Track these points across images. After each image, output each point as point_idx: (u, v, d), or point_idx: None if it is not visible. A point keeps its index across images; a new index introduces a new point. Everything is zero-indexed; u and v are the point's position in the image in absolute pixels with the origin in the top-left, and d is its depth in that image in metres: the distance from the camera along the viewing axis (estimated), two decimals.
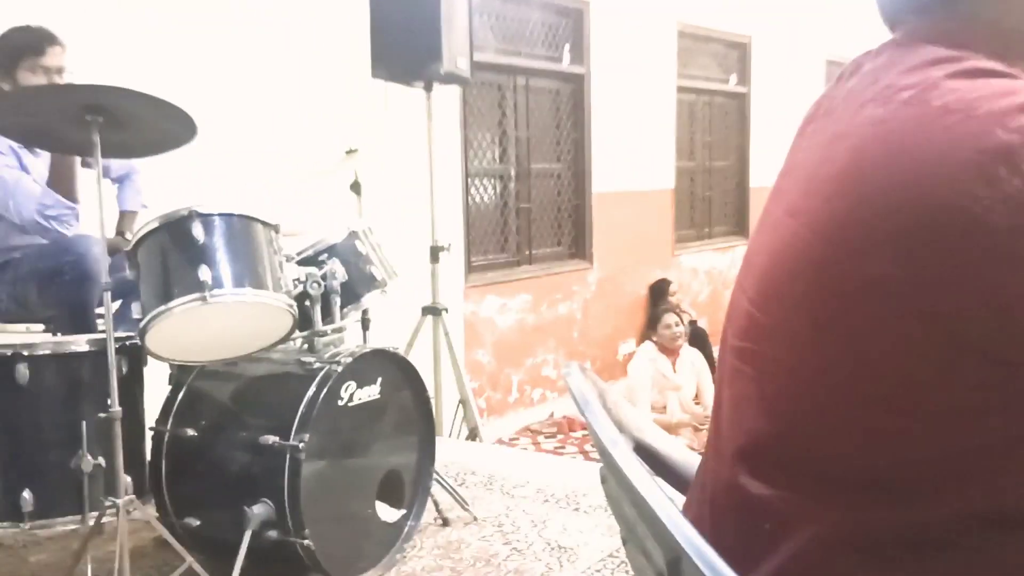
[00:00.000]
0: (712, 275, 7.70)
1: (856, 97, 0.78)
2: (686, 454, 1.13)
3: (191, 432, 2.40)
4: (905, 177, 0.68)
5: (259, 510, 2.23)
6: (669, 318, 5.80)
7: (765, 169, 7.86)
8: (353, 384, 2.43)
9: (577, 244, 6.35)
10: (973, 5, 0.77)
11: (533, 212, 6.00)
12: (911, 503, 0.72)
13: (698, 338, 6.27)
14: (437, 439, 2.74)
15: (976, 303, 0.65)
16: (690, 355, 5.91)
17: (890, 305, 0.68)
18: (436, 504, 2.84)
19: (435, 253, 4.01)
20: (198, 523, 2.37)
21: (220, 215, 2.22)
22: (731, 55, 7.93)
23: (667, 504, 0.73)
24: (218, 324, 2.24)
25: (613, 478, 0.94)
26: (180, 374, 2.52)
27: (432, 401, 2.75)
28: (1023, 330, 0.65)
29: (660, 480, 1.17)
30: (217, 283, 2.14)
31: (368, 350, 2.51)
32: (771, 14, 7.77)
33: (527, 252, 5.97)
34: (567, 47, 6.11)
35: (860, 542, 0.74)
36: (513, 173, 5.84)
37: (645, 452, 1.15)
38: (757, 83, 8.03)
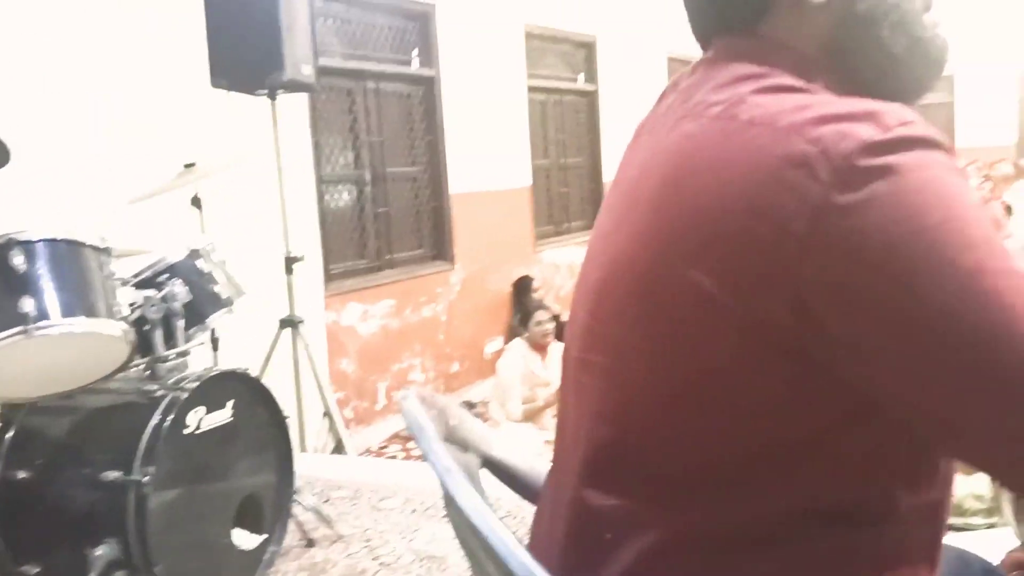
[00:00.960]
0: (573, 269, 7.82)
1: (673, 114, 0.81)
2: (538, 465, 1.13)
3: (23, 474, 2.25)
4: (716, 188, 0.71)
5: (103, 551, 2.11)
6: (541, 314, 5.85)
7: (616, 164, 8.02)
8: (202, 409, 2.33)
9: (438, 246, 6.32)
10: (771, 29, 0.82)
11: (391, 216, 5.93)
12: (739, 501, 0.75)
13: (564, 332, 6.33)
14: (300, 456, 2.68)
15: (784, 306, 0.68)
16: (558, 350, 5.98)
17: (710, 312, 0.71)
18: (299, 525, 2.76)
19: (289, 264, 3.91)
20: (37, 570, 2.22)
21: (43, 241, 2.08)
22: (578, 55, 8.07)
23: (502, 532, 0.74)
24: (48, 357, 2.10)
25: (450, 507, 0.93)
26: (8, 412, 2.36)
27: (293, 417, 2.67)
28: (827, 330, 0.68)
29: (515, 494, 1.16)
30: (42, 314, 2.01)
31: (216, 373, 2.41)
32: (615, 14, 7.96)
33: (387, 256, 5.90)
34: (416, 50, 6.07)
35: (694, 544, 0.76)
36: (368, 178, 5.76)
37: (495, 466, 1.15)
38: (604, 81, 8.21)
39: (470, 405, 6.07)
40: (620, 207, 0.84)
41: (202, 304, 2.57)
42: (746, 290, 0.69)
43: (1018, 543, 1.16)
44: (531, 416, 5.51)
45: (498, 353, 6.19)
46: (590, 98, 8.20)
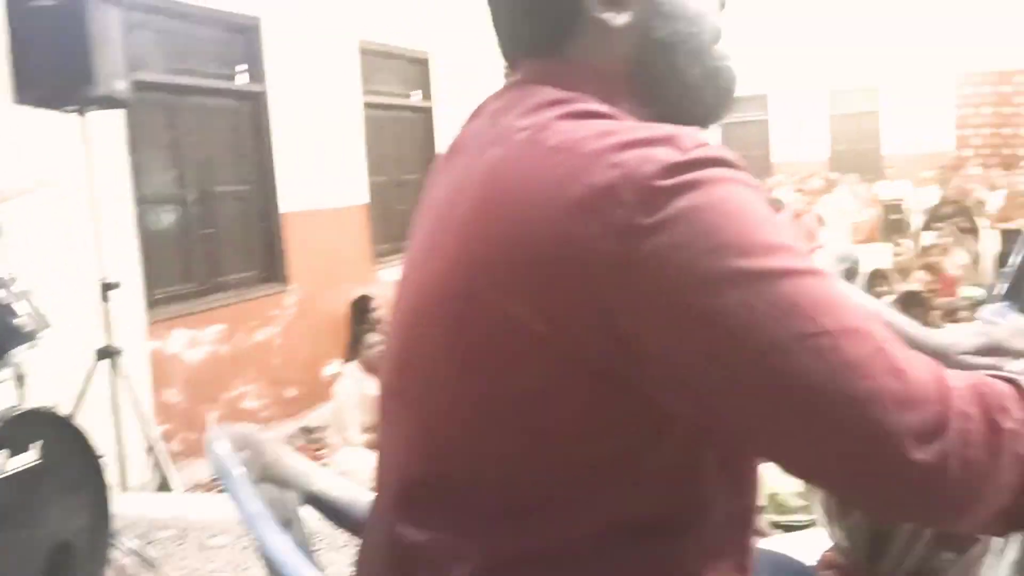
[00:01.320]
0: None
1: (481, 138, 0.81)
2: (363, 496, 1.10)
3: None
4: (524, 215, 0.71)
5: None
6: (372, 337, 5.74)
7: None
8: (5, 452, 2.14)
9: (271, 267, 6.12)
10: (577, 51, 0.83)
11: (219, 237, 5.70)
12: (553, 523, 0.75)
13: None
14: (121, 496, 2.50)
15: (595, 329, 0.69)
16: None
17: (520, 338, 0.72)
18: (120, 570, 2.59)
19: (105, 291, 3.68)
20: None
21: None
22: (413, 71, 8.05)
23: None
24: None
25: (260, 553, 0.89)
26: None
27: (112, 454, 2.50)
28: (637, 350, 0.69)
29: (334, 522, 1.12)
30: None
31: (18, 413, 2.23)
32: (449, 31, 8.00)
33: (216, 279, 5.66)
34: (242, 65, 5.87)
35: (512, 570, 0.76)
36: (193, 197, 5.52)
37: (317, 502, 1.11)
38: (439, 98, 8.23)
39: (308, 431, 5.90)
40: (431, 232, 0.83)
41: (2, 338, 2.37)
42: (557, 316, 0.70)
43: (833, 543, 1.20)
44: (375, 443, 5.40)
45: (336, 376, 6.06)
46: (425, 115, 8.20)
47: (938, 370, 0.68)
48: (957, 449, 0.65)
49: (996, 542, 0.97)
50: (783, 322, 0.65)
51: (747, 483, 0.82)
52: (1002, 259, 6.27)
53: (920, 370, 0.67)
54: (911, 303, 4.82)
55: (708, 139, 0.72)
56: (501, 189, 0.74)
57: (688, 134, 0.71)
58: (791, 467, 0.71)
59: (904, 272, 6.50)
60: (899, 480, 0.66)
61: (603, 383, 0.71)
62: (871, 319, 0.68)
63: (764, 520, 3.66)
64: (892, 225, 9.87)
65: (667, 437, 0.74)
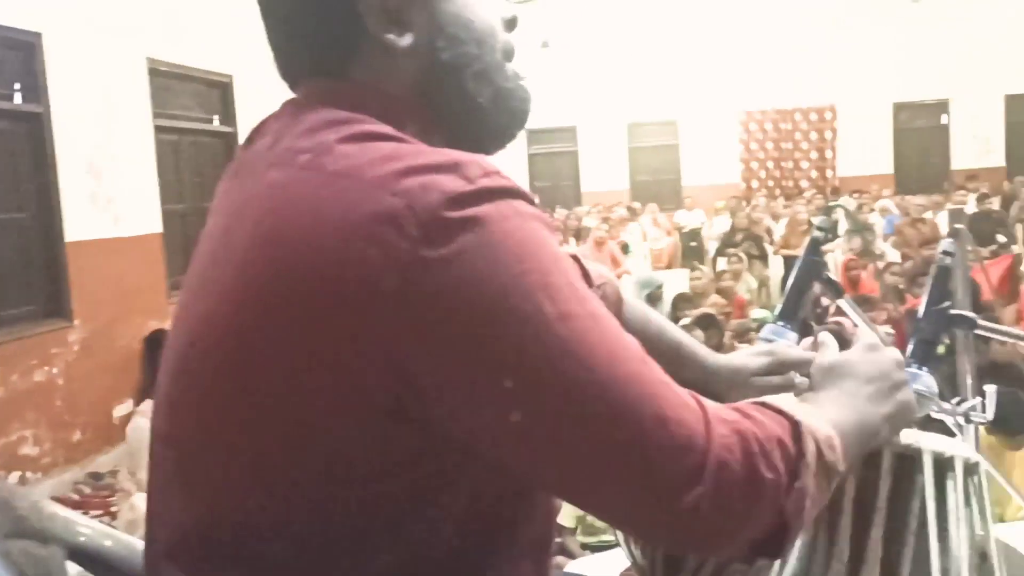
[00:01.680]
0: None
1: (260, 160, 0.78)
2: (140, 546, 1.01)
3: None
4: (304, 245, 0.68)
5: None
6: None
7: None
8: None
9: (52, 300, 5.66)
10: (362, 72, 0.79)
11: None
12: (343, 568, 0.73)
13: None
14: None
15: (379, 366, 0.67)
16: None
17: (302, 376, 0.69)
18: None
19: None
20: None
21: None
22: (213, 94, 7.74)
23: None
24: None
25: None
26: None
27: None
28: (422, 389, 0.67)
29: None
30: None
31: None
32: (252, 53, 7.69)
33: None
34: (18, 84, 5.44)
35: None
36: None
37: (85, 556, 1.02)
38: (243, 123, 7.93)
39: (97, 476, 5.49)
40: (207, 263, 0.79)
41: None
42: (340, 352, 0.67)
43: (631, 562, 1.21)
44: None
45: (128, 416, 5.67)
46: (227, 140, 7.87)
47: (706, 415, 0.70)
48: (712, 496, 0.68)
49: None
50: (558, 366, 0.66)
51: (540, 514, 0.82)
52: (784, 283, 6.79)
53: (686, 418, 0.69)
54: (706, 325, 5.08)
55: (495, 168, 0.71)
56: (280, 216, 0.71)
57: (475, 162, 0.70)
58: (570, 500, 0.74)
59: (702, 296, 6.86)
60: (658, 520, 0.70)
61: (390, 422, 0.69)
62: (645, 363, 0.70)
63: (574, 542, 3.72)
64: (691, 252, 10.43)
65: (460, 476, 0.73)
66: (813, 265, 1.20)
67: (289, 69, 0.83)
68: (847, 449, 0.79)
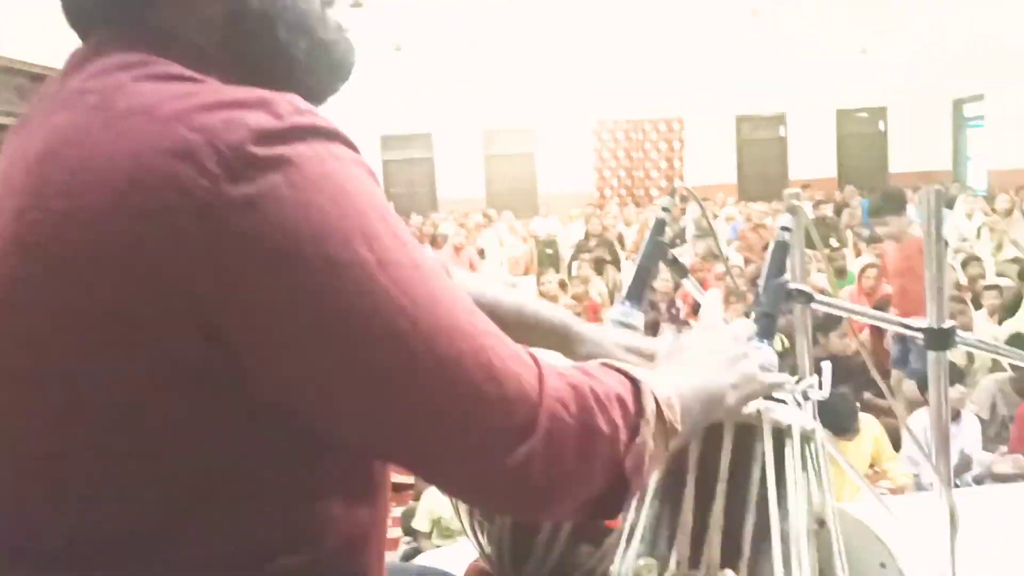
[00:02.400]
0: None
1: (47, 105, 0.71)
2: None
3: None
4: (92, 189, 0.62)
5: None
6: None
7: None
8: None
9: None
10: (160, 19, 0.72)
11: None
12: (150, 559, 0.66)
13: None
14: None
15: (184, 322, 0.61)
16: None
17: (96, 336, 0.62)
18: None
19: None
20: None
21: None
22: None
23: None
24: None
25: None
26: None
27: None
28: (234, 346, 0.61)
29: None
30: None
31: None
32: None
33: None
34: None
35: None
36: None
37: None
38: None
39: None
40: None
41: None
42: (139, 307, 0.60)
43: (479, 552, 1.18)
44: None
45: None
46: None
47: (540, 368, 0.68)
48: (544, 450, 0.65)
49: (625, 529, 0.98)
50: (378, 317, 0.62)
51: (373, 492, 0.76)
52: None
53: (516, 370, 0.66)
54: None
55: (309, 106, 0.65)
56: (64, 159, 0.63)
57: (286, 99, 0.64)
58: (395, 460, 0.70)
59: (553, 301, 6.96)
60: (488, 478, 0.66)
61: (199, 388, 0.62)
62: (473, 315, 0.67)
63: (429, 545, 3.66)
64: (547, 259, 10.56)
65: (278, 449, 0.67)
66: (657, 246, 1.20)
67: (79, 17, 0.75)
68: (688, 411, 0.79)
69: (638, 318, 1.14)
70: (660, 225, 1.21)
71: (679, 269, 1.23)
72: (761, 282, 1.10)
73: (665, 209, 1.22)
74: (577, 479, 0.68)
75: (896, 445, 4.00)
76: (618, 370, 0.74)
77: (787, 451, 0.97)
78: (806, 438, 0.99)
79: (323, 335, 0.61)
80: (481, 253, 10.21)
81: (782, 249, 1.12)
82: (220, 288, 0.60)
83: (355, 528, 0.73)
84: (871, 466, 3.89)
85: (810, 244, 1.25)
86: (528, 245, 11.41)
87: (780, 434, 0.97)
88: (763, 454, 0.96)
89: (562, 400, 0.67)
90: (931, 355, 1.18)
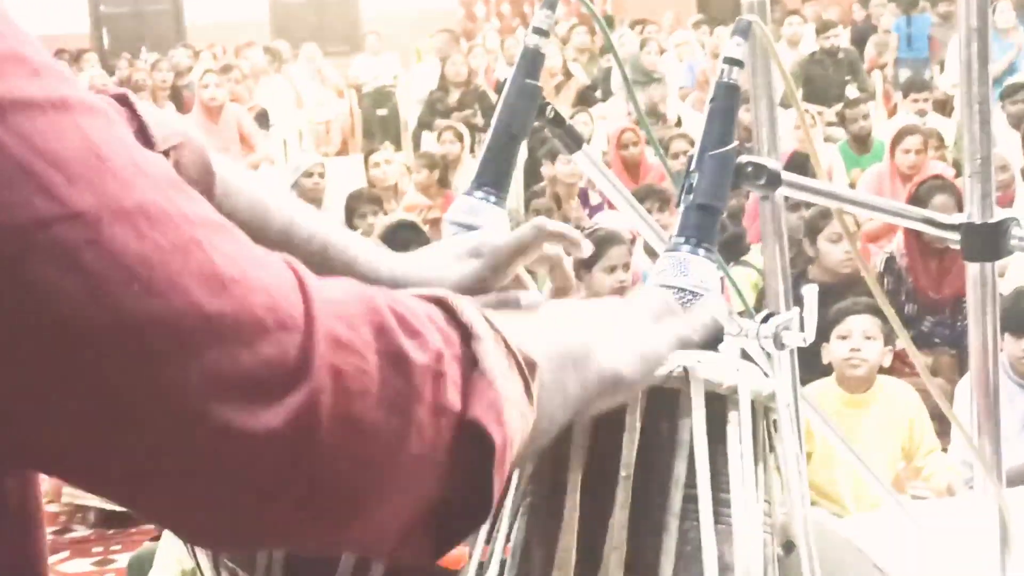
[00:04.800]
0: None
1: None
2: None
3: None
4: None
5: None
6: None
7: None
8: None
9: None
10: None
11: None
12: None
13: None
14: None
15: None
16: None
17: None
18: None
19: None
20: None
21: None
22: None
23: None
24: None
25: None
26: None
27: None
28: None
29: None
30: None
31: None
32: None
33: None
34: None
35: None
36: None
37: None
38: None
39: None
40: None
41: None
42: None
43: None
44: None
45: None
46: None
47: (299, 277, 0.45)
48: (331, 403, 0.42)
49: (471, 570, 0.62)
50: (25, 190, 0.40)
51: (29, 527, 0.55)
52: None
53: (263, 273, 0.44)
54: (404, 241, 3.79)
55: None
56: None
57: None
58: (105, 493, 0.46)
59: (392, 194, 5.02)
60: (224, 470, 0.42)
61: None
62: (177, 189, 0.45)
63: None
64: (378, 124, 7.51)
65: None
66: (527, 91, 0.77)
67: None
68: (557, 380, 0.52)
69: (495, 216, 0.73)
70: (532, 58, 0.79)
71: (571, 136, 0.81)
72: (695, 153, 0.70)
73: (540, 32, 0.79)
74: (391, 454, 0.44)
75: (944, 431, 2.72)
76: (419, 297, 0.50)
77: (730, 431, 0.62)
78: (763, 409, 0.63)
79: None
80: (262, 118, 6.77)
81: (728, 97, 0.72)
82: None
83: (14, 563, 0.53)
84: (905, 460, 2.78)
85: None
86: (345, 101, 7.76)
87: (719, 404, 0.64)
88: (691, 437, 0.61)
89: (346, 318, 0.44)
90: (971, 270, 0.79)
